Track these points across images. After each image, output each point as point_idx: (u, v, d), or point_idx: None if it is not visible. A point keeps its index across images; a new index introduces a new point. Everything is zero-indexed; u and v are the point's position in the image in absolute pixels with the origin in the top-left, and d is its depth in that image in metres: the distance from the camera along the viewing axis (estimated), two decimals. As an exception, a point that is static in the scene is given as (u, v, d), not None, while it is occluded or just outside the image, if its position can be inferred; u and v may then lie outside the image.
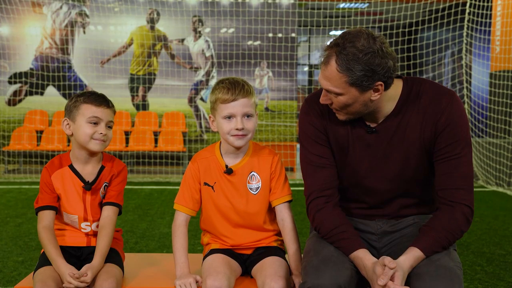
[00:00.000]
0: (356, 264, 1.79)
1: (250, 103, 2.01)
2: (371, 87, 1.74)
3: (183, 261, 2.04)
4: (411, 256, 1.74)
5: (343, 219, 1.88)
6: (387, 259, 1.68)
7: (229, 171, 2.08)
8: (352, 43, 1.69)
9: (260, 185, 2.10)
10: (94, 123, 2.09)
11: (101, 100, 2.10)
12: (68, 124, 2.14)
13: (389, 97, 1.84)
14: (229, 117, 1.99)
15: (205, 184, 2.11)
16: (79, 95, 2.14)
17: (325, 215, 1.89)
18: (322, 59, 1.77)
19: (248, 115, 2.00)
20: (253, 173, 2.10)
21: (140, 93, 9.84)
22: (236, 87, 1.99)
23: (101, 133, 2.09)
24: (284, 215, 2.09)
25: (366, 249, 1.81)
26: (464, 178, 1.82)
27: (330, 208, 1.90)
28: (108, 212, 2.15)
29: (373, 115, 1.87)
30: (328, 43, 1.77)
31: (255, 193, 2.09)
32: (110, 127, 2.15)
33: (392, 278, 1.67)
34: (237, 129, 1.98)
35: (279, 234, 2.19)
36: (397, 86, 1.86)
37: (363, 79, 1.71)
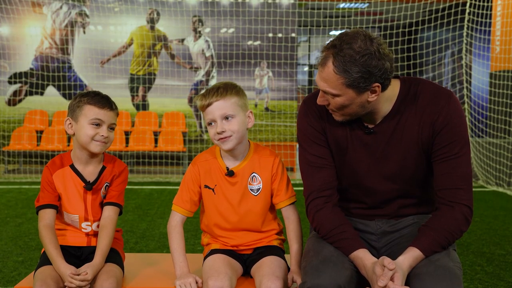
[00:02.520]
0: (356, 264, 1.79)
1: (228, 104, 1.98)
2: (368, 88, 1.74)
3: (182, 260, 2.05)
4: (410, 256, 1.74)
5: (342, 219, 1.89)
6: (386, 260, 1.68)
7: (230, 173, 2.08)
8: (349, 44, 1.69)
9: (261, 186, 2.10)
10: (96, 125, 2.09)
11: (104, 102, 2.10)
12: (70, 123, 2.14)
13: (387, 98, 1.84)
14: (210, 122, 2.00)
15: (206, 187, 2.11)
16: (83, 95, 2.13)
17: (324, 216, 1.89)
18: (319, 60, 1.77)
19: (228, 116, 1.99)
20: (254, 174, 2.10)
21: (140, 93, 9.84)
22: (210, 91, 2.00)
23: (102, 135, 2.09)
24: (289, 214, 2.10)
25: (366, 249, 1.81)
26: (463, 178, 1.82)
27: (330, 208, 1.90)
28: (109, 212, 2.15)
29: (371, 116, 1.87)
30: (326, 44, 1.78)
31: (256, 194, 2.10)
32: (112, 129, 2.15)
33: (392, 279, 1.67)
34: (218, 133, 1.98)
35: (279, 233, 2.19)
36: (395, 86, 1.86)
37: (360, 81, 1.71)
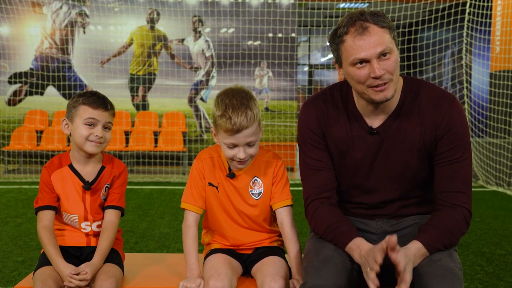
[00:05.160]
0: (352, 255, 1.77)
1: (253, 130, 1.95)
2: (397, 41, 1.79)
3: (194, 262, 2.02)
4: (413, 246, 1.72)
5: (339, 216, 1.88)
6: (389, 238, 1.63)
7: (231, 175, 2.07)
8: (366, 10, 1.76)
9: (262, 190, 2.09)
10: (90, 125, 2.08)
11: (99, 102, 2.09)
12: (66, 124, 2.14)
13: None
14: (232, 146, 1.97)
15: (210, 184, 2.10)
16: (80, 95, 2.13)
17: (321, 214, 1.89)
18: (355, 33, 1.74)
19: (251, 143, 1.97)
20: (256, 178, 2.09)
21: (140, 93, 9.84)
22: (239, 114, 1.90)
23: (97, 135, 2.08)
24: (283, 218, 2.07)
25: (363, 238, 1.79)
26: (464, 182, 1.83)
27: (327, 207, 1.90)
28: (111, 216, 2.15)
29: (382, 106, 1.85)
30: (348, 21, 1.77)
31: (257, 198, 2.09)
32: (108, 129, 2.13)
33: (397, 264, 1.62)
34: (239, 157, 1.96)
35: (280, 234, 2.19)
36: (399, 80, 1.88)
37: (395, 32, 1.78)
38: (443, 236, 1.78)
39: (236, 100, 1.94)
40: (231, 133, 1.92)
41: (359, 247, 1.74)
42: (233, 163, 2.03)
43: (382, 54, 1.74)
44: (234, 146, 1.96)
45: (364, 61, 1.75)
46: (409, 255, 1.68)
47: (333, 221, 1.86)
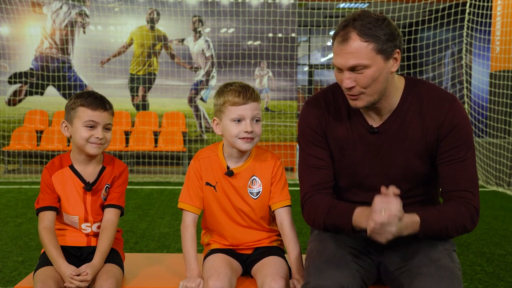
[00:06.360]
0: (360, 226, 1.73)
1: (259, 108, 2.03)
2: (392, 53, 1.75)
3: (193, 262, 2.03)
4: (408, 216, 1.71)
5: (334, 200, 1.89)
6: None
7: (229, 173, 2.07)
8: (365, 15, 1.73)
9: (261, 189, 2.09)
10: (90, 127, 2.07)
11: (98, 103, 2.08)
12: (66, 126, 2.13)
13: (395, 86, 1.85)
14: (239, 119, 1.99)
15: (207, 184, 2.10)
16: (77, 96, 2.12)
17: (317, 205, 1.90)
18: (340, 39, 1.74)
19: (257, 119, 2.02)
20: (254, 177, 2.09)
21: (140, 93, 9.84)
22: (247, 91, 2.01)
23: (97, 137, 2.07)
24: (283, 219, 2.07)
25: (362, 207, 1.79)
26: (470, 181, 1.83)
27: (321, 198, 1.90)
28: (110, 215, 2.15)
29: (379, 108, 1.85)
30: (339, 25, 1.77)
31: (255, 197, 2.09)
32: (108, 129, 2.13)
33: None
34: (246, 131, 1.98)
35: (279, 234, 2.19)
36: (400, 81, 1.88)
37: (387, 44, 1.73)
38: (443, 223, 1.76)
39: (240, 82, 2.06)
40: (239, 104, 1.98)
41: (363, 212, 1.74)
42: (237, 143, 2.01)
43: (355, 68, 1.74)
44: (241, 120, 1.99)
45: (339, 68, 1.78)
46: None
47: (331, 205, 1.86)
